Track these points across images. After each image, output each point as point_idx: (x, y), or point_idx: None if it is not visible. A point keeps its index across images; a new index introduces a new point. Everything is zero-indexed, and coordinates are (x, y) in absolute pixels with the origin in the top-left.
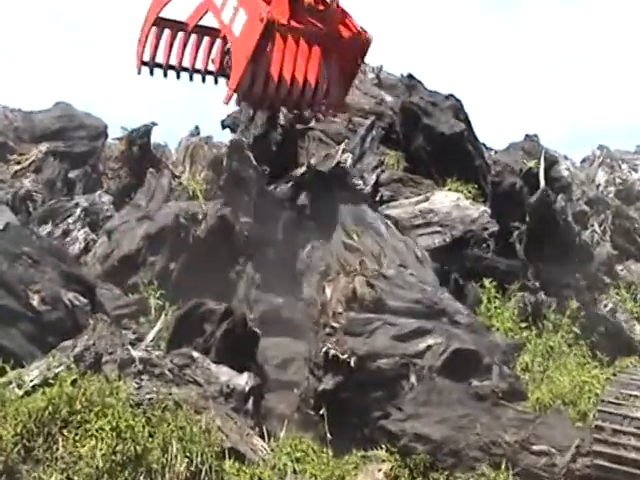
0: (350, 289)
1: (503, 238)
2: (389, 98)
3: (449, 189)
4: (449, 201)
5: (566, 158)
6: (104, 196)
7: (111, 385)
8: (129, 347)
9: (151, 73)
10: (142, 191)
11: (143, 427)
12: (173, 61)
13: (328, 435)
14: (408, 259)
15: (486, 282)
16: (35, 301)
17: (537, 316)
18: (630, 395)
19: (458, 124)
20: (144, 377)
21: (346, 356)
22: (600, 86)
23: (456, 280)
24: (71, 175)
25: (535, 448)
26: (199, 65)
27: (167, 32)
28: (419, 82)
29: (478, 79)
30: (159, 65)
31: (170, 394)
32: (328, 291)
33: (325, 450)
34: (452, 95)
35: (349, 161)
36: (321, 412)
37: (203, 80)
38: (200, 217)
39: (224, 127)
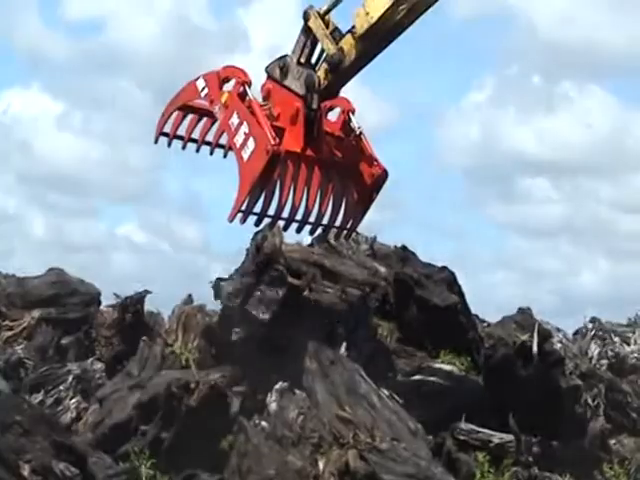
0: (343, 462)
1: (497, 411)
2: (383, 269)
3: (442, 361)
4: (443, 374)
5: (559, 330)
6: (96, 364)
7: None
8: None
9: (169, 145)
10: (135, 359)
11: None
12: (194, 136)
13: None
14: (401, 432)
15: (479, 455)
16: (26, 471)
17: None
18: None
19: (451, 297)
20: None
21: None
22: (589, 256)
23: (449, 453)
24: (64, 341)
25: None
26: (222, 141)
27: (191, 116)
28: (412, 253)
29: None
30: (179, 137)
31: None
32: (321, 464)
33: None
34: (445, 267)
35: (342, 331)
36: None
37: (225, 155)
38: (192, 386)
39: (217, 297)
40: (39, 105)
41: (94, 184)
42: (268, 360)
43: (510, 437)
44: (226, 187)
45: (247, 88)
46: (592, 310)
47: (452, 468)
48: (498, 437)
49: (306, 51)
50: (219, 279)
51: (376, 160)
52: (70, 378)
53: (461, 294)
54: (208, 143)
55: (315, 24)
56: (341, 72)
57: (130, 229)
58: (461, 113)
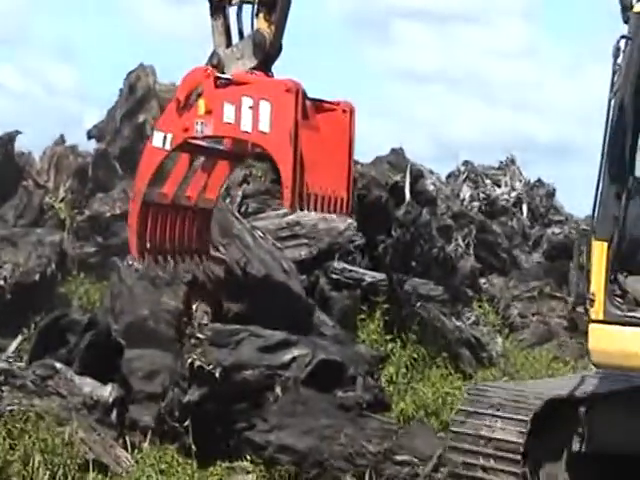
0: (216, 300)
1: (369, 251)
2: None
3: None
4: (315, 214)
5: (432, 172)
6: None
7: None
8: None
9: (156, 262)
10: (12, 205)
11: (4, 439)
12: None
13: (193, 446)
14: (275, 271)
15: (352, 294)
16: None
17: (401, 328)
18: None
19: None
20: (5, 388)
21: (211, 367)
22: (463, 103)
23: (322, 292)
24: None
25: (398, 458)
26: None
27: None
28: None
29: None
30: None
31: (32, 406)
32: (194, 303)
33: (190, 461)
34: None
35: None
36: (186, 423)
37: None
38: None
39: (90, 137)
40: None
41: None
42: None
43: (382, 276)
44: (100, 30)
45: (218, 74)
46: (466, 155)
47: (325, 307)
48: (370, 276)
49: (226, 33)
50: None
51: None
52: None
53: None
54: None
55: None
56: (283, 3)
57: (1, 73)
58: None
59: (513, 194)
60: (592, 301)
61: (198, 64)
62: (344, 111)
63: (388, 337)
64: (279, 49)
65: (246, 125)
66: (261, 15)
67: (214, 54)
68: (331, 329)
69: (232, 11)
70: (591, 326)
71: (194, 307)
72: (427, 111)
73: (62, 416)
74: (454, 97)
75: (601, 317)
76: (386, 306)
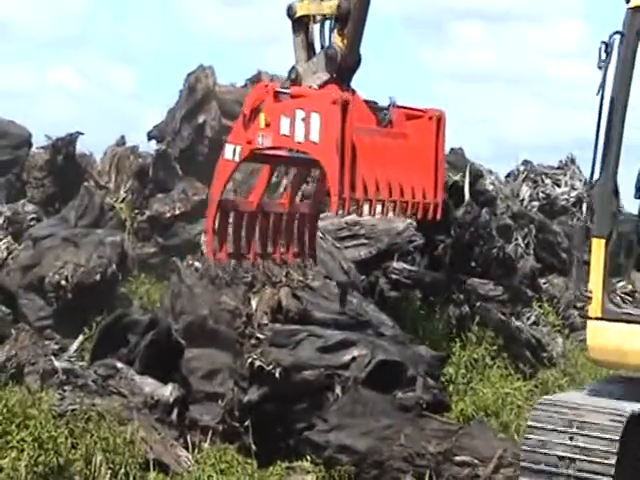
0: (275, 300)
1: (428, 251)
2: None
3: None
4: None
5: (491, 172)
6: (28, 205)
7: (33, 396)
8: (52, 358)
9: (240, 265)
10: (73, 205)
11: (66, 438)
12: None
13: (253, 446)
14: (334, 271)
15: (411, 294)
16: None
17: (461, 329)
18: None
19: None
20: (67, 388)
21: (271, 367)
22: (524, 103)
23: (381, 292)
24: None
25: (458, 459)
26: None
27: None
28: None
29: (401, 90)
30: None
31: (93, 405)
32: (253, 302)
33: (250, 461)
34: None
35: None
36: (246, 423)
37: None
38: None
39: (150, 138)
40: None
41: (22, 28)
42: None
43: (442, 276)
44: (158, 32)
45: (278, 89)
46: (525, 155)
47: (384, 307)
48: (430, 276)
49: (308, 48)
50: None
51: None
52: (1, 220)
53: None
54: None
55: (304, 6)
56: (355, 16)
57: (61, 74)
58: None
59: (573, 194)
60: (590, 298)
61: (257, 66)
62: (430, 118)
63: (447, 337)
64: (356, 62)
65: (299, 136)
66: (336, 29)
67: (293, 69)
68: (390, 329)
69: (315, 27)
70: (589, 323)
71: (253, 307)
72: (486, 111)
73: (123, 415)
74: (513, 97)
75: (599, 314)
76: (445, 306)
